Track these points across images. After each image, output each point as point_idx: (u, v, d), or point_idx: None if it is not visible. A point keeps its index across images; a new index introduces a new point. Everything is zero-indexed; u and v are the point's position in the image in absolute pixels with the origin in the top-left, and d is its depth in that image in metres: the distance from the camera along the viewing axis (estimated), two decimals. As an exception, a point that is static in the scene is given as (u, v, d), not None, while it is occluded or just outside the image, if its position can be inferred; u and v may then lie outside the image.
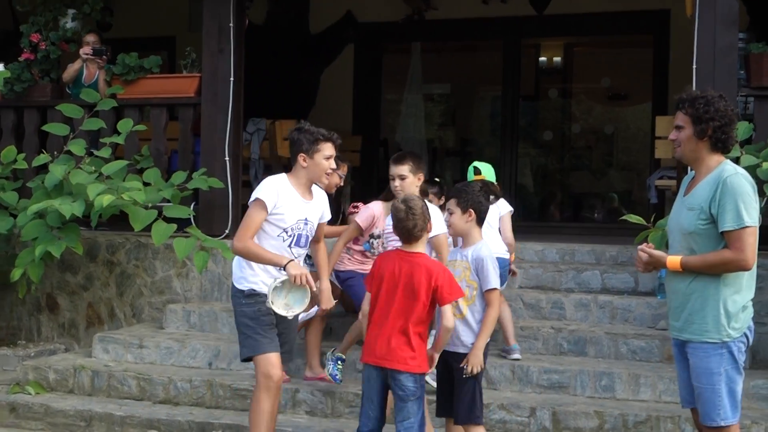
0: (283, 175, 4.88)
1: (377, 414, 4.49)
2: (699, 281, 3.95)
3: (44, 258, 6.75)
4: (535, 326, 6.30)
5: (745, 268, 3.91)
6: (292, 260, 4.63)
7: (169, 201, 7.03)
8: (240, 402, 5.90)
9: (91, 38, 8.01)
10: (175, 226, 6.73)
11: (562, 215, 11.95)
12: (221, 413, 5.85)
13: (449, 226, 4.69)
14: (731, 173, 3.92)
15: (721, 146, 4.02)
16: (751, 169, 5.97)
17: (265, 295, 4.63)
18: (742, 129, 6.20)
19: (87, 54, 7.88)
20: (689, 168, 4.44)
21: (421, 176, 5.48)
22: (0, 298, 7.60)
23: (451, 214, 4.64)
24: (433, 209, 5.03)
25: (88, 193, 6.51)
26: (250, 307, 4.80)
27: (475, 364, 4.45)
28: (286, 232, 4.78)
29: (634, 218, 6.11)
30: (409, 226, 4.43)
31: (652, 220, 6.08)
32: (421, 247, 4.50)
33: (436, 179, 7.15)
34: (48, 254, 6.72)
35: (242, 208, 7.61)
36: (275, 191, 4.74)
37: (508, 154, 10.80)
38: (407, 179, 5.44)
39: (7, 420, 6.09)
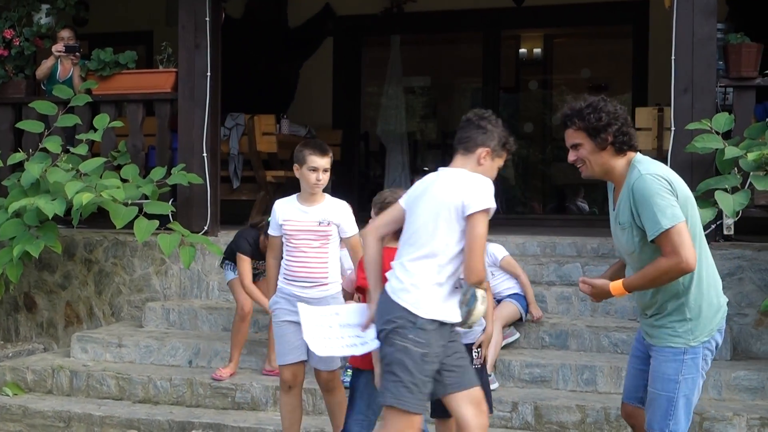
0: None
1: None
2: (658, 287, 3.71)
3: (22, 257, 6.67)
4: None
5: (686, 270, 3.59)
6: None
7: (147, 198, 6.96)
8: (220, 400, 5.86)
9: (65, 34, 7.91)
10: (157, 222, 6.68)
11: (545, 207, 11.94)
12: (202, 412, 5.80)
13: None
14: (636, 178, 3.64)
15: (627, 147, 3.73)
16: (732, 161, 5.99)
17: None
18: (722, 121, 6.20)
19: (59, 51, 7.78)
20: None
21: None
22: (-23, 298, 7.51)
23: None
24: (346, 209, 4.86)
25: (66, 191, 6.43)
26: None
27: (486, 355, 4.60)
28: None
29: None
30: None
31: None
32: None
33: (425, 168, 7.09)
34: (26, 254, 6.64)
35: (221, 204, 7.60)
36: None
37: (488, 146, 10.74)
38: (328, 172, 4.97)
39: (-15, 422, 6.03)
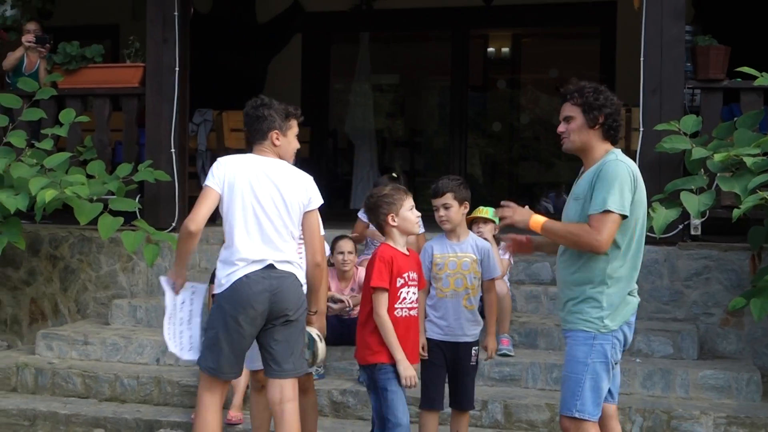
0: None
1: (374, 407, 4.51)
2: (582, 272, 3.90)
3: (-16, 253, 6.57)
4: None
5: (597, 251, 3.82)
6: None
7: (113, 194, 6.88)
8: (189, 399, 5.80)
9: (32, 26, 7.80)
10: (121, 219, 6.59)
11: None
12: (169, 410, 5.75)
13: (446, 221, 4.61)
14: (612, 159, 3.88)
15: (613, 134, 3.98)
16: (700, 162, 6.05)
17: None
18: (690, 122, 6.26)
19: (29, 42, 7.66)
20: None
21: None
22: (-62, 294, 7.38)
23: (448, 208, 4.63)
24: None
25: (30, 187, 6.33)
26: None
27: (494, 347, 4.85)
28: None
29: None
30: (371, 221, 4.58)
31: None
32: (389, 240, 4.47)
33: (394, 174, 7.10)
34: (-12, 249, 6.54)
35: (189, 200, 7.52)
36: None
37: (456, 144, 10.81)
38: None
39: (-53, 420, 5.92)
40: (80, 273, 7.29)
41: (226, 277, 4.30)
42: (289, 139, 4.49)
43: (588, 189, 3.88)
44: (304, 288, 4.47)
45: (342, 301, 6.04)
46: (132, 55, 7.60)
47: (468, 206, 4.76)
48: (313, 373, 5.06)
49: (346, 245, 6.07)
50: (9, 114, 7.37)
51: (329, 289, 6.11)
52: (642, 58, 6.54)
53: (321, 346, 4.51)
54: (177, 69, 7.27)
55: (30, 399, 6.03)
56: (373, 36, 11.37)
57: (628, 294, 3.95)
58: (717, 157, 5.85)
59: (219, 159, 4.48)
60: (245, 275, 4.26)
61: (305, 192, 4.40)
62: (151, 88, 7.38)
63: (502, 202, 4.13)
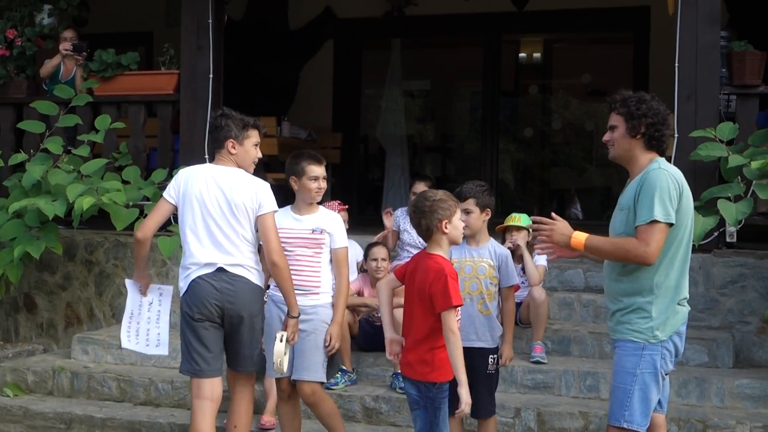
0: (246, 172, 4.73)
1: (421, 426, 4.30)
2: (629, 282, 3.89)
3: (22, 258, 6.65)
4: (519, 326, 6.28)
5: (646, 262, 3.80)
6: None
7: (149, 199, 6.95)
8: (222, 404, 5.81)
9: (68, 34, 7.90)
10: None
11: (542, 212, 11.94)
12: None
13: (466, 226, 4.49)
14: (655, 168, 3.87)
15: (656, 144, 3.97)
16: (737, 170, 6.00)
17: None
18: (727, 129, 6.21)
19: (67, 50, 7.77)
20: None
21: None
22: (-24, 298, 7.49)
23: (468, 213, 4.64)
24: (339, 220, 4.91)
25: (67, 194, 6.42)
26: None
27: (510, 356, 4.85)
28: None
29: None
30: (415, 223, 4.29)
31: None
32: (435, 246, 4.23)
33: (427, 174, 7.10)
34: (26, 254, 6.62)
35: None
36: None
37: (488, 149, 10.79)
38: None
39: (-15, 423, 6.01)
40: (115, 278, 7.37)
41: (183, 279, 4.63)
42: (246, 148, 4.67)
43: (633, 199, 3.88)
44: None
45: (369, 306, 6.02)
46: (167, 63, 7.67)
47: (490, 213, 4.75)
48: (281, 375, 4.83)
49: (380, 252, 6.08)
50: (46, 121, 7.47)
51: (361, 293, 6.12)
52: (676, 64, 6.49)
53: (277, 348, 4.54)
54: (211, 76, 7.32)
55: (66, 402, 6.11)
56: (405, 42, 11.39)
57: (678, 303, 3.92)
58: (754, 164, 5.81)
59: (178, 171, 4.80)
60: (198, 277, 4.55)
61: (254, 196, 4.55)
62: (186, 94, 7.44)
63: (535, 218, 4.11)
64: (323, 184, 4.85)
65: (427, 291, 4.11)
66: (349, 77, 11.17)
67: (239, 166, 4.66)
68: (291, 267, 4.67)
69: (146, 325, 4.93)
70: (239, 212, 4.55)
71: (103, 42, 8.12)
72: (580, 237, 3.94)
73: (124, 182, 6.98)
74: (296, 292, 4.66)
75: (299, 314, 4.63)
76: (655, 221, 3.77)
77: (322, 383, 4.86)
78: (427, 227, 4.20)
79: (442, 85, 12.60)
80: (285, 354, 4.56)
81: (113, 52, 7.63)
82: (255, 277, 4.62)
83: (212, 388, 4.62)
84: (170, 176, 7.10)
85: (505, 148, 11.73)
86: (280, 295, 4.73)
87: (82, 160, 7.06)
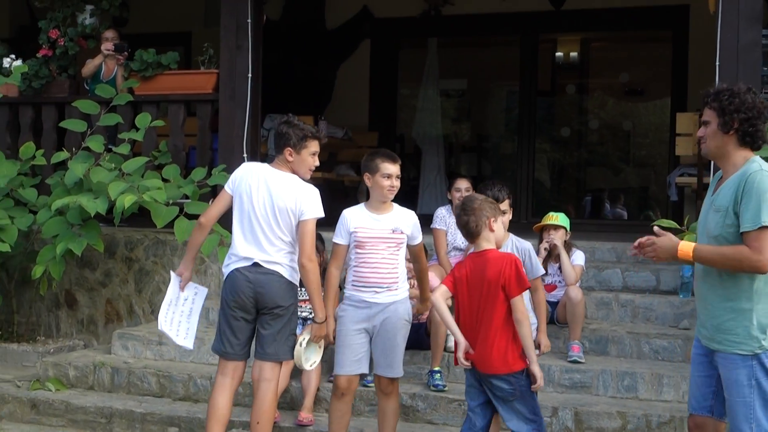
0: (296, 178, 4.90)
1: (482, 423, 4.44)
2: (726, 288, 3.78)
3: (64, 255, 6.75)
4: (556, 325, 6.27)
5: (761, 270, 3.68)
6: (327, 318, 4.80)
7: (188, 197, 7.02)
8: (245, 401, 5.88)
9: (110, 34, 8.01)
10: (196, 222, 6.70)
11: (579, 212, 11.89)
12: (241, 411, 5.81)
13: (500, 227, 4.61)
14: (756, 170, 3.72)
15: (750, 141, 3.82)
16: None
17: None
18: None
19: (108, 50, 7.88)
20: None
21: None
22: (19, 294, 7.61)
23: (504, 213, 4.80)
24: (414, 218, 4.97)
25: (109, 192, 6.51)
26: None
27: (547, 344, 4.94)
28: None
29: (666, 222, 6.02)
30: (462, 222, 4.45)
31: (685, 223, 6.01)
32: (486, 243, 4.43)
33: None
34: (68, 251, 6.72)
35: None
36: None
37: (524, 149, 10.76)
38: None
39: (29, 416, 6.10)
40: (154, 275, 7.45)
41: (225, 267, 4.96)
42: (303, 157, 4.88)
43: (731, 201, 3.75)
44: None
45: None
46: (206, 62, 7.74)
47: (491, 222, 4.53)
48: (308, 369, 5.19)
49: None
50: (88, 119, 7.57)
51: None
52: (717, 63, 6.43)
53: (296, 350, 4.87)
54: (249, 75, 7.38)
55: (107, 397, 6.18)
56: (441, 41, 11.39)
57: None
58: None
59: (242, 164, 5.11)
60: (236, 269, 4.85)
61: (296, 203, 4.76)
62: (224, 94, 7.51)
63: (639, 242, 3.98)
64: (396, 183, 4.92)
65: (501, 281, 4.29)
66: (386, 76, 11.19)
67: (294, 172, 4.88)
68: (369, 264, 4.82)
69: (179, 317, 5.16)
70: (281, 216, 4.78)
71: (143, 42, 8.22)
72: (686, 248, 3.83)
73: (164, 180, 7.06)
74: (375, 289, 4.81)
75: (325, 319, 4.82)
76: (765, 227, 3.65)
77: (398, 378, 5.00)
78: (476, 225, 4.40)
79: (479, 85, 12.59)
80: (308, 354, 4.89)
81: (154, 52, 7.72)
82: (287, 273, 4.82)
83: (235, 368, 4.96)
84: (209, 175, 7.20)
85: (540, 147, 11.68)
86: (359, 295, 4.84)
87: (122, 158, 7.14)
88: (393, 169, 4.92)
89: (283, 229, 4.79)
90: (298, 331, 5.08)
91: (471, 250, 4.59)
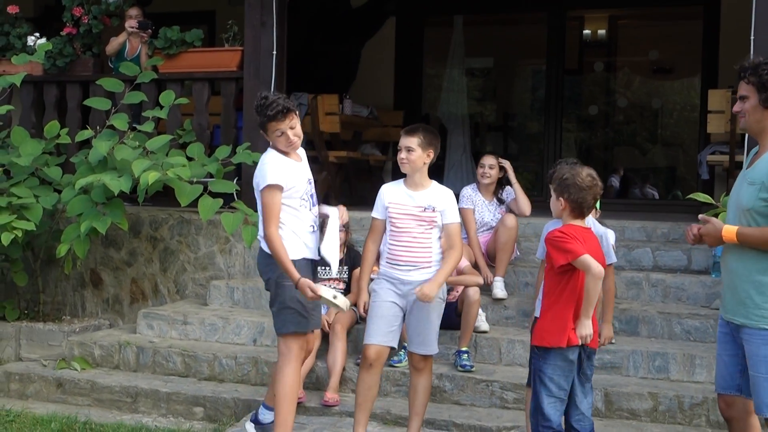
0: (270, 150, 4.81)
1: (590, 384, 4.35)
2: (756, 262, 3.74)
3: (89, 234, 6.72)
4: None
5: None
6: (301, 278, 4.62)
7: (212, 176, 6.97)
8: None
9: (134, 12, 7.97)
10: (221, 201, 6.66)
11: (607, 191, 11.73)
12: (266, 391, 5.79)
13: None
14: None
15: None
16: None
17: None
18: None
19: (132, 27, 7.84)
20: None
21: (431, 153, 4.83)
22: (44, 273, 7.60)
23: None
24: (450, 196, 4.83)
25: (132, 169, 6.46)
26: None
27: (609, 336, 4.70)
28: (303, 199, 4.77)
29: (702, 197, 5.92)
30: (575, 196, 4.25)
31: (721, 199, 5.90)
32: (573, 219, 4.26)
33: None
34: (93, 230, 6.69)
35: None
36: (280, 169, 4.69)
37: (552, 128, 10.64)
38: (415, 152, 4.80)
39: (55, 395, 6.10)
40: (179, 254, 7.42)
41: None
42: (272, 138, 4.78)
43: (767, 175, 3.72)
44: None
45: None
46: (230, 40, 7.67)
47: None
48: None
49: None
50: (112, 98, 7.54)
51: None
52: (752, 37, 6.27)
53: (325, 290, 4.67)
54: (274, 53, 7.31)
55: (132, 376, 6.17)
56: (467, 19, 11.25)
57: None
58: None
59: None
60: None
61: (255, 177, 4.75)
62: (249, 71, 7.44)
63: (693, 234, 3.96)
64: (408, 155, 4.75)
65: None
66: (411, 55, 11.08)
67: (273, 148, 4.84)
68: (402, 243, 4.74)
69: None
70: (256, 191, 4.77)
71: (166, 20, 8.14)
72: (730, 232, 3.79)
73: (188, 159, 7.00)
74: (407, 267, 4.72)
75: (298, 280, 4.61)
76: None
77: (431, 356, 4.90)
78: (567, 198, 4.24)
79: (505, 63, 12.44)
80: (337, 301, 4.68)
81: (178, 30, 7.66)
82: (265, 246, 4.77)
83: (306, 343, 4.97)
84: (233, 153, 7.14)
85: (566, 126, 11.54)
86: (392, 272, 4.77)
87: (147, 136, 7.10)
88: (403, 141, 4.79)
89: (258, 203, 4.78)
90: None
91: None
